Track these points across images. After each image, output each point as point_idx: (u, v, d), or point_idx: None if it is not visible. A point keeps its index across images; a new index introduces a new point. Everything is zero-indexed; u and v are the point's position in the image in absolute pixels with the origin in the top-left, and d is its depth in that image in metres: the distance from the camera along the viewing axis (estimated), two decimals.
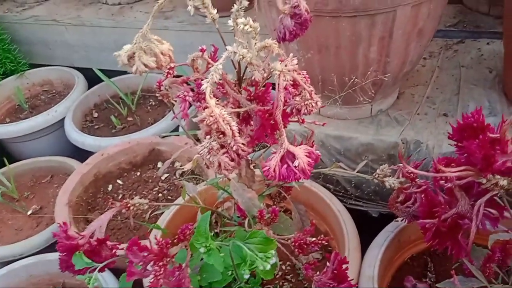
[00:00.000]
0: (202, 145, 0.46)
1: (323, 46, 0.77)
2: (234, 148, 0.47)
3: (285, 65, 0.46)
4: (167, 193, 1.09)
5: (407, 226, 0.75)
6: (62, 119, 1.37)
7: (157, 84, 0.55)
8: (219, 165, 0.47)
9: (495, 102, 0.91)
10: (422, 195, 0.65)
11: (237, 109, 0.50)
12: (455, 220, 0.43)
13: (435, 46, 1.11)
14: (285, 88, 0.45)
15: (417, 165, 0.66)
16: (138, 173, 1.16)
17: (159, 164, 1.17)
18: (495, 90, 0.94)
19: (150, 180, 1.14)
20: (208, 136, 0.47)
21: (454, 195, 0.43)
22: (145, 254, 0.50)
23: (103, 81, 1.42)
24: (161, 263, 0.50)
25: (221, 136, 0.47)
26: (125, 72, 1.50)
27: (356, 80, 0.77)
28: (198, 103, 0.54)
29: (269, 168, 0.45)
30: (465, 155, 0.45)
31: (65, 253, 0.59)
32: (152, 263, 0.50)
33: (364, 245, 0.77)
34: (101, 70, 1.41)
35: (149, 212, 0.89)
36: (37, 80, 1.61)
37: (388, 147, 0.87)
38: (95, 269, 0.57)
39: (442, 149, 0.84)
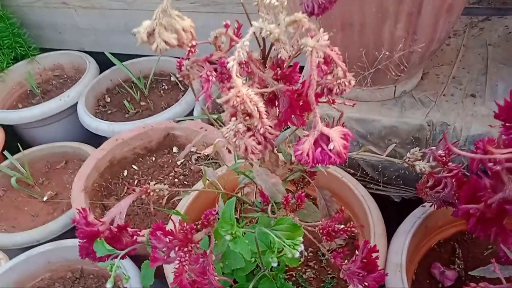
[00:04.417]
0: (228, 128, 0.44)
1: (347, 23, 0.73)
2: (261, 131, 0.44)
3: (317, 41, 0.43)
4: (183, 178, 1.07)
5: (435, 211, 0.72)
6: (75, 104, 1.36)
7: (178, 64, 0.52)
8: (246, 149, 0.44)
9: None
10: (454, 180, 0.62)
11: (264, 89, 0.47)
12: (501, 205, 0.40)
13: (459, 24, 1.07)
14: (317, 66, 0.42)
15: (449, 148, 0.63)
16: (153, 158, 1.15)
17: (175, 149, 1.16)
18: None
19: (166, 165, 1.12)
20: (234, 118, 0.44)
21: (500, 179, 0.40)
22: (169, 239, 0.48)
23: (114, 65, 1.40)
24: (186, 249, 0.48)
25: (247, 118, 0.44)
26: (136, 56, 1.48)
27: (381, 58, 0.73)
28: (222, 84, 0.51)
29: (302, 152, 0.42)
30: None
31: (85, 240, 0.57)
32: (176, 249, 0.48)
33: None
34: (112, 54, 1.39)
35: (166, 197, 0.87)
36: (48, 64, 1.60)
37: (413, 130, 0.83)
38: (117, 256, 0.56)
39: (470, 131, 0.80)
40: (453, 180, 0.62)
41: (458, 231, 0.78)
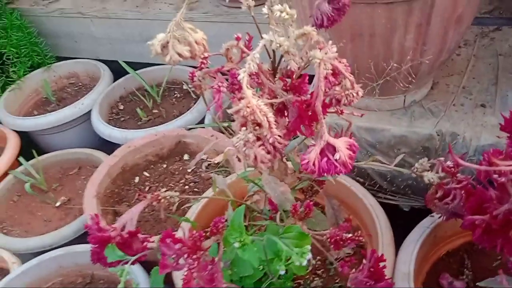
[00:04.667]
0: (238, 137, 0.45)
1: (356, 34, 0.74)
2: (270, 141, 0.45)
3: (325, 53, 0.44)
4: (194, 185, 1.09)
5: (444, 221, 0.72)
6: (89, 111, 1.38)
7: (190, 75, 0.53)
8: (255, 158, 0.45)
9: None
10: (463, 191, 0.62)
11: (274, 100, 0.48)
12: (507, 216, 0.41)
13: (470, 34, 1.07)
14: (325, 77, 0.43)
15: (456, 160, 0.63)
16: (165, 165, 1.16)
17: (186, 156, 1.17)
18: None
19: (177, 172, 1.14)
20: (244, 128, 0.45)
21: (505, 190, 0.41)
22: (179, 246, 0.49)
23: (128, 73, 1.43)
24: (195, 256, 0.49)
25: (257, 128, 0.45)
26: (150, 64, 1.50)
27: (391, 69, 0.74)
28: (232, 94, 0.52)
29: (308, 162, 0.43)
30: None
31: (97, 245, 0.58)
32: (185, 256, 0.49)
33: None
34: (126, 63, 1.41)
35: (176, 204, 0.88)
36: (64, 73, 1.63)
37: (423, 140, 0.84)
38: (127, 262, 0.57)
39: (480, 141, 0.80)
40: (462, 191, 0.62)
41: (467, 242, 0.78)
